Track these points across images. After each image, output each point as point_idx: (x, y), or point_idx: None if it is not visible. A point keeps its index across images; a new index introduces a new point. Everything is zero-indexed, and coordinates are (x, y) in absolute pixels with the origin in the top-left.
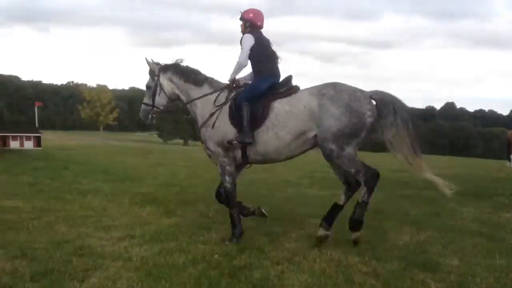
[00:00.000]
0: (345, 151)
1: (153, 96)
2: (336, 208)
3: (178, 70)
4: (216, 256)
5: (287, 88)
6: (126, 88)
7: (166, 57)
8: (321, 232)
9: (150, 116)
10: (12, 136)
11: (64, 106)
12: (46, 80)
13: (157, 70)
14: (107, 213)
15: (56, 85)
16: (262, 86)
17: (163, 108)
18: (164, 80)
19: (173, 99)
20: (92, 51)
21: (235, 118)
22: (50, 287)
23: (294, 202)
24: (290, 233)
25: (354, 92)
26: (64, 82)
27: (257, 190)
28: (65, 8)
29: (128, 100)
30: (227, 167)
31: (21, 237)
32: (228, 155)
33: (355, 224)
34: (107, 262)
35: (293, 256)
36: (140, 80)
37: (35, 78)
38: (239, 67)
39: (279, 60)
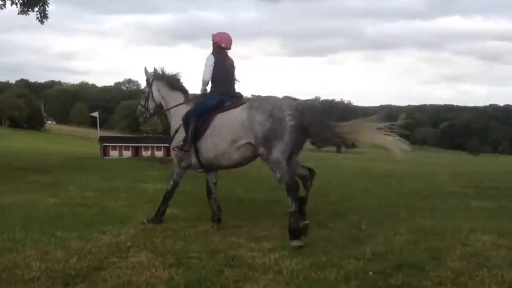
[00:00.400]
0: (272, 154)
1: (147, 101)
2: (302, 200)
3: (166, 83)
4: (370, 273)
5: (231, 103)
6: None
7: (321, 65)
8: (297, 224)
9: (144, 116)
10: None
11: None
12: None
13: (151, 79)
14: (259, 223)
15: None
16: (208, 103)
17: (153, 112)
18: (155, 89)
19: (160, 105)
20: (249, 63)
21: (185, 129)
22: None
23: (457, 214)
24: (454, 249)
25: (277, 102)
26: None
27: (413, 202)
28: (225, 25)
29: None
30: (174, 175)
31: (177, 245)
32: (180, 165)
33: (293, 233)
34: (258, 274)
35: (458, 276)
36: (295, 88)
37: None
38: (203, 82)
39: (236, 82)
